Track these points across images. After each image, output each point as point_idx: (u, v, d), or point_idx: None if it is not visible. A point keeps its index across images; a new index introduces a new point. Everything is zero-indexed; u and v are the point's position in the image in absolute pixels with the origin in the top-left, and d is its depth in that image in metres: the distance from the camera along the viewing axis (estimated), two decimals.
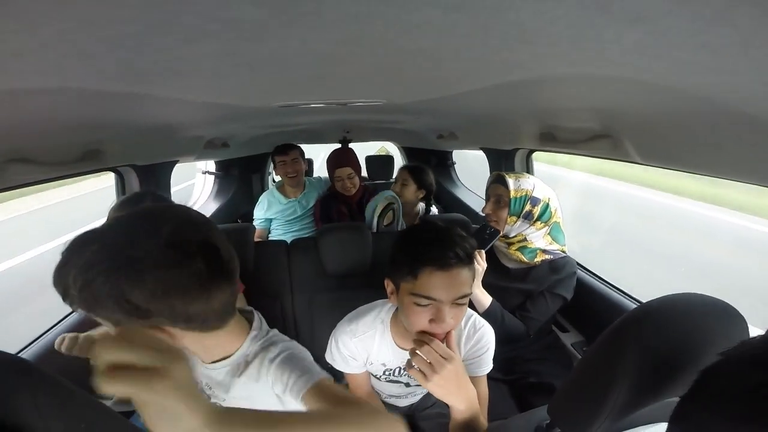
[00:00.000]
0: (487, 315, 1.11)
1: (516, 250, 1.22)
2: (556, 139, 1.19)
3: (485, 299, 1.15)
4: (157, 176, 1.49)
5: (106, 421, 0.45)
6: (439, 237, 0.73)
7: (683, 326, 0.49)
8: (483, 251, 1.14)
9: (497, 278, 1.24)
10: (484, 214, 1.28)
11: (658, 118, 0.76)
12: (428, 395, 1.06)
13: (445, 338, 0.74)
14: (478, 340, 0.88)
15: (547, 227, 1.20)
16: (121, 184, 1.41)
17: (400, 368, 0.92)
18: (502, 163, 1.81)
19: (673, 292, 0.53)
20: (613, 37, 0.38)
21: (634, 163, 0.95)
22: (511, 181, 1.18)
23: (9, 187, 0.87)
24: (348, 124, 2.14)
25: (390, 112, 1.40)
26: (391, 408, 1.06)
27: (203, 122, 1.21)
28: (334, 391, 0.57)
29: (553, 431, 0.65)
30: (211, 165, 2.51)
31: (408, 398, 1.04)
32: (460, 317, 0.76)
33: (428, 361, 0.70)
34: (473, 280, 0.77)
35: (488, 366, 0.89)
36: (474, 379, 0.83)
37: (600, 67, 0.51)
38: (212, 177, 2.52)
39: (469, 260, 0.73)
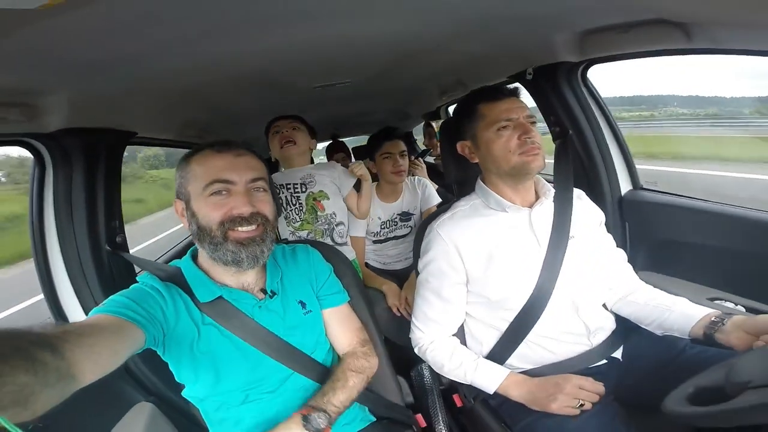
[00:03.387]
0: None
1: None
2: (463, 84, 2.08)
3: None
4: None
5: None
6: (388, 130, 1.85)
7: None
8: (421, 159, 2.16)
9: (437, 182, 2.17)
10: (424, 145, 2.30)
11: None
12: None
13: None
14: (421, 183, 1.88)
15: None
16: None
17: (390, 220, 1.79)
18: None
19: None
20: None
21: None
22: (434, 123, 2.25)
23: (186, 142, 1.85)
24: (337, 120, 3.13)
25: (358, 99, 2.29)
26: (390, 274, 1.76)
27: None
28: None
29: None
30: None
31: (402, 262, 1.85)
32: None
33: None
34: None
35: (435, 200, 1.82)
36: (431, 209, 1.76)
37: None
38: None
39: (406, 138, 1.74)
